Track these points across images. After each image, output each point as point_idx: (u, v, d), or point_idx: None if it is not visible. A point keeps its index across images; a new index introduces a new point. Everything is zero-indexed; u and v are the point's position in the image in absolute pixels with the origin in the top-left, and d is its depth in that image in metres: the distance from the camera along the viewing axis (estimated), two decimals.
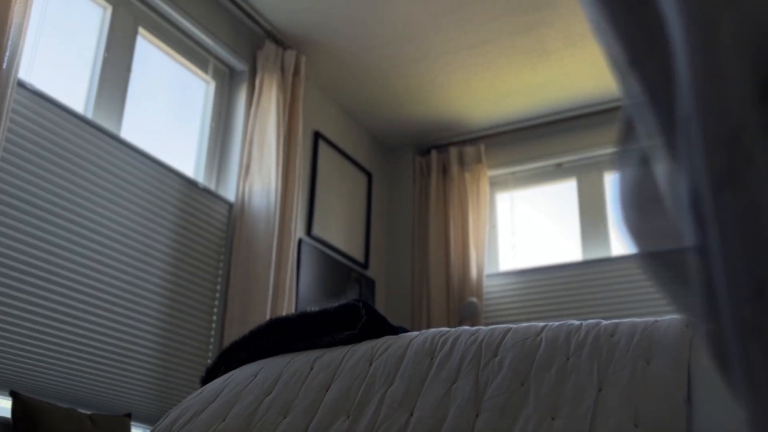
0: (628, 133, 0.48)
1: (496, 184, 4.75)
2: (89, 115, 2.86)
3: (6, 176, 2.42)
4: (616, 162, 0.51)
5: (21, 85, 2.53)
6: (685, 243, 0.40)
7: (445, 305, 4.38)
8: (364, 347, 1.60)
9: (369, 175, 4.67)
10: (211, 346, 3.19)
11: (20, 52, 2.34)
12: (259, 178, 3.44)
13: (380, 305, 4.52)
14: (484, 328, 1.54)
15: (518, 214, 4.64)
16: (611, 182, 4.43)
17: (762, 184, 0.34)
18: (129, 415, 2.55)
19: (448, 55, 3.97)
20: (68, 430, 2.24)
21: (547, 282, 4.29)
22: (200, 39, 3.48)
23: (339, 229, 4.26)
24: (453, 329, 1.58)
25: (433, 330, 1.60)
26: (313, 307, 1.84)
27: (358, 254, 4.40)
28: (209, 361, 3.16)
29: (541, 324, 1.50)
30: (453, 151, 4.70)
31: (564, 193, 4.55)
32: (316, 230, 4.03)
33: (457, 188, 4.62)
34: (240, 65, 3.68)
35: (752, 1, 0.35)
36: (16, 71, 2.32)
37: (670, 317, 1.40)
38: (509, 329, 1.50)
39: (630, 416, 1.21)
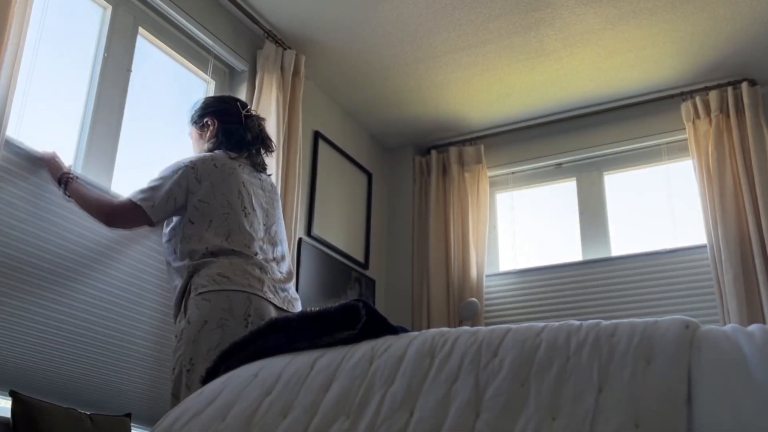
0: None
1: (496, 184, 4.75)
2: (89, 115, 2.86)
3: (6, 175, 2.42)
4: None
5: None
6: None
7: (445, 305, 4.37)
8: (365, 347, 1.61)
9: (369, 175, 4.67)
10: None
11: (20, 51, 2.34)
12: None
13: (380, 305, 4.52)
14: (484, 328, 1.54)
15: (518, 214, 4.64)
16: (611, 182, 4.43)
17: None
18: (129, 415, 2.55)
19: (448, 55, 3.97)
20: (68, 430, 2.24)
21: (547, 282, 4.29)
22: (200, 39, 3.47)
23: (339, 229, 4.26)
24: (453, 329, 1.58)
25: (433, 330, 1.60)
26: (313, 307, 1.84)
27: (358, 254, 4.39)
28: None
29: (541, 324, 1.50)
30: (453, 151, 4.70)
31: (564, 193, 4.55)
32: (316, 230, 4.02)
33: (457, 188, 4.62)
34: (240, 65, 3.68)
35: None
36: (16, 71, 2.32)
37: (670, 317, 1.40)
38: (509, 330, 1.50)
39: (630, 417, 1.21)
